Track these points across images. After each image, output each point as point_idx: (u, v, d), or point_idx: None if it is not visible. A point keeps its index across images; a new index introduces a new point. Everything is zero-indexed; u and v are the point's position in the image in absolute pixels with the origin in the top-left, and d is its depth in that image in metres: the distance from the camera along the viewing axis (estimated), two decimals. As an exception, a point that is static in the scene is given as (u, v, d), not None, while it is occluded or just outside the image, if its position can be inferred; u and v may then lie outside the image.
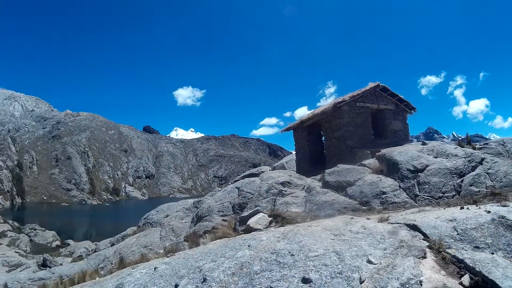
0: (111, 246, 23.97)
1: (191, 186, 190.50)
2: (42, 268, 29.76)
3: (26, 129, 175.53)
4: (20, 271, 31.28)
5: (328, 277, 4.86)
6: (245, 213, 9.78)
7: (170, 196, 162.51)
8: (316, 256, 5.44)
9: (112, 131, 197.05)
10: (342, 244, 5.83)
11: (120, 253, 16.42)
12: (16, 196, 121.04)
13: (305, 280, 4.82)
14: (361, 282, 4.72)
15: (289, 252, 5.67)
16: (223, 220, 11.65)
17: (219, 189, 25.55)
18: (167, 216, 22.46)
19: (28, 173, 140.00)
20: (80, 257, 32.64)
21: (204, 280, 5.31)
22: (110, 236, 35.72)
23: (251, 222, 8.76)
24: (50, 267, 26.69)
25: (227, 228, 9.76)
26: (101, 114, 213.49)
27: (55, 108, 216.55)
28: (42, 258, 35.84)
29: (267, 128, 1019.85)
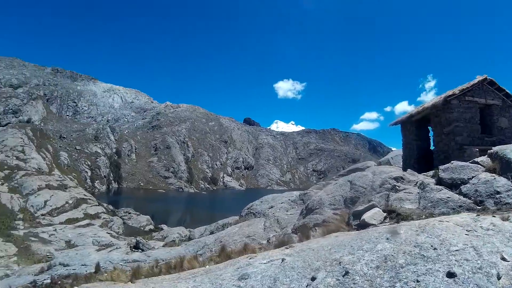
0: (210, 234, 24.49)
1: (289, 179, 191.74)
2: (134, 250, 30.34)
3: (126, 119, 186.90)
4: (110, 251, 32.24)
5: (470, 272, 4.82)
6: (359, 207, 9.85)
7: (268, 188, 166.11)
8: (456, 250, 5.42)
9: (212, 123, 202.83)
10: (477, 240, 5.74)
11: (221, 241, 16.31)
12: (112, 181, 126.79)
13: (450, 275, 4.82)
14: (499, 279, 4.71)
15: (431, 246, 5.64)
16: (334, 213, 11.75)
17: (324, 182, 24.59)
18: (271, 207, 23.01)
19: (127, 160, 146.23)
20: (173, 242, 34.33)
21: (346, 273, 5.30)
22: (204, 224, 37.87)
23: (366, 216, 8.93)
24: (142, 250, 27.67)
25: (339, 222, 10.00)
26: (201, 106, 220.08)
27: (155, 100, 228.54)
28: (135, 240, 36.60)
29: (367, 122, 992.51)
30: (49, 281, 16.66)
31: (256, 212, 24.19)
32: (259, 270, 6.33)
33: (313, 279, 5.35)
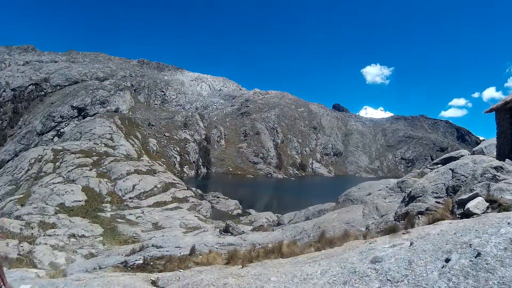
0: (306, 219, 24.47)
1: (378, 167, 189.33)
2: (223, 233, 30.13)
3: (214, 106, 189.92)
4: (196, 233, 33.25)
5: None
6: (463, 196, 10.01)
7: (356, 175, 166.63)
8: None
9: (302, 109, 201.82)
10: None
11: (319, 227, 16.41)
12: (201, 166, 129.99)
13: None
14: None
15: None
16: (436, 202, 11.90)
17: (419, 170, 24.01)
18: (369, 194, 23.01)
19: (216, 146, 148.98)
20: (261, 226, 35.22)
21: (478, 254, 5.63)
22: (292, 209, 38.10)
23: (471, 206, 9.00)
24: (232, 234, 27.68)
25: (443, 210, 10.11)
26: (290, 92, 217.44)
27: (244, 87, 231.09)
28: (224, 223, 37.35)
29: (455, 109, 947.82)
30: (141, 261, 16.61)
31: (353, 199, 24.28)
32: (389, 253, 6.92)
33: (447, 260, 5.81)
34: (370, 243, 8.13)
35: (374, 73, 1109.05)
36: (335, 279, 6.64)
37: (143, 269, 15.03)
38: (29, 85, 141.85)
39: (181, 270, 11.09)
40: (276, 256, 11.46)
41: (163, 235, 35.48)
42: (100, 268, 17.31)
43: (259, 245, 16.08)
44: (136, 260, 17.13)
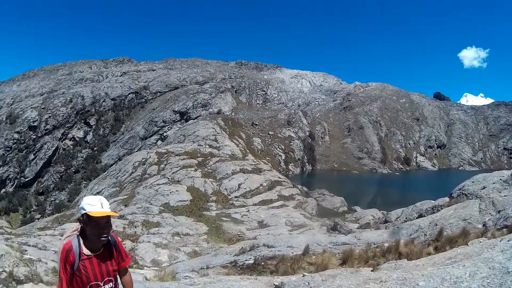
0: (418, 217, 23.42)
1: (481, 159, 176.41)
2: (331, 232, 30.95)
3: (316, 102, 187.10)
4: (302, 231, 34.74)
5: None
6: None
7: (460, 169, 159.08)
8: None
9: (403, 100, 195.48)
10: None
11: (436, 224, 15.82)
12: (306, 163, 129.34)
13: None
14: None
15: None
16: None
17: None
18: (483, 188, 21.23)
19: (320, 142, 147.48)
20: (367, 224, 35.49)
21: None
22: (397, 206, 36.82)
23: None
24: (339, 232, 28.03)
25: None
26: (390, 83, 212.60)
27: (344, 81, 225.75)
28: (332, 221, 38.18)
29: None
30: (251, 261, 16.30)
31: (468, 193, 22.28)
32: None
33: None
34: (508, 240, 7.52)
35: (471, 56, 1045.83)
36: (488, 281, 6.11)
37: (253, 269, 14.84)
38: (129, 93, 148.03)
39: (307, 275, 9.57)
40: (394, 256, 11.09)
41: (268, 233, 36.12)
42: (207, 267, 16.99)
43: (374, 244, 15.69)
44: (246, 260, 16.80)
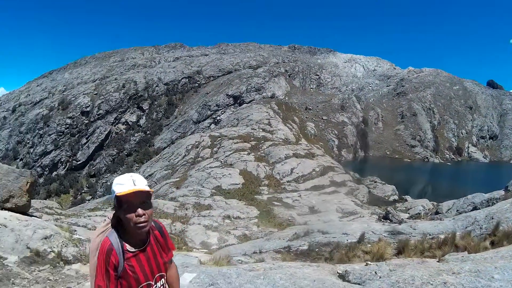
0: (473, 209, 23.08)
1: None
2: (383, 220, 31.05)
3: (370, 87, 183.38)
4: (352, 219, 34.76)
5: None
6: None
7: (511, 162, 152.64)
8: None
9: (457, 87, 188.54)
10: None
11: (492, 218, 15.04)
12: (359, 149, 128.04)
13: None
14: None
15: None
16: None
17: None
18: None
19: (373, 128, 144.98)
20: (418, 215, 36.04)
21: None
22: (447, 198, 37.63)
23: None
24: (391, 221, 28.06)
25: None
26: (443, 69, 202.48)
27: (397, 66, 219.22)
28: (383, 210, 38.04)
29: None
30: (305, 247, 16.17)
31: None
32: None
33: None
34: None
35: None
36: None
37: (307, 256, 14.65)
38: (182, 78, 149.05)
39: (371, 263, 9.25)
40: (449, 249, 10.68)
41: (318, 219, 36.53)
42: (260, 252, 16.98)
43: (429, 235, 15.22)
44: (300, 246, 16.67)
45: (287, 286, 7.08)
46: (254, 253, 16.73)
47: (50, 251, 10.17)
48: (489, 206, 21.04)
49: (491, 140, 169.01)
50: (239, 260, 13.96)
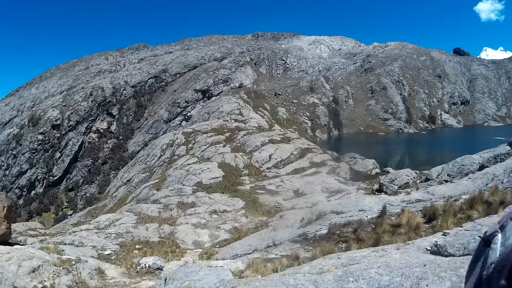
0: (480, 168, 22.69)
1: (505, 114, 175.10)
2: (377, 193, 30.04)
3: (337, 67, 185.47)
4: (340, 197, 34.41)
5: None
6: None
7: (485, 125, 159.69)
8: None
9: (424, 57, 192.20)
10: None
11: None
12: (332, 129, 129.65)
13: None
14: None
15: None
16: None
17: None
18: None
19: (344, 106, 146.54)
20: (407, 184, 35.24)
21: None
22: (429, 165, 38.95)
23: None
24: (386, 192, 27.67)
25: None
26: (408, 41, 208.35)
27: (362, 43, 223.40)
28: (378, 183, 38.04)
29: None
30: (324, 231, 15.16)
31: None
32: None
33: None
34: None
35: (486, 9, 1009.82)
36: None
37: (328, 240, 13.73)
38: (148, 79, 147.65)
39: (458, 228, 7.74)
40: (483, 206, 10.21)
41: (305, 202, 35.46)
42: (274, 245, 15.82)
43: (451, 197, 14.57)
44: (317, 231, 15.71)
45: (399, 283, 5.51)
46: (268, 247, 15.64)
47: (42, 287, 9.03)
48: (497, 162, 21.25)
49: (463, 105, 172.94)
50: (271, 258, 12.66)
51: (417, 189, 27.02)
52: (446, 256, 6.49)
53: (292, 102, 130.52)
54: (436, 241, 7.11)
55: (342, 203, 21.02)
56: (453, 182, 20.47)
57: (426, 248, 7.10)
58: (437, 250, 6.78)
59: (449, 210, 11.07)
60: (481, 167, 22.68)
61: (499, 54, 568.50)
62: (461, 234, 7.05)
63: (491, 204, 9.98)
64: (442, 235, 7.46)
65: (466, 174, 22.67)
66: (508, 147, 23.51)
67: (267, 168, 57.93)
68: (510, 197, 9.97)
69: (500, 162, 19.95)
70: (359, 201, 20.08)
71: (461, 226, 7.68)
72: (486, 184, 15.68)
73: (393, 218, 13.05)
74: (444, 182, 24.59)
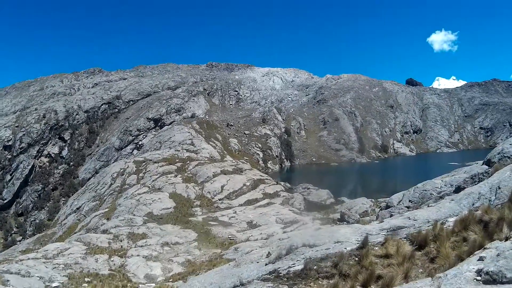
0: (455, 191, 22.43)
1: (458, 140, 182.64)
2: (338, 223, 31.18)
3: (289, 98, 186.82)
4: (296, 228, 35.13)
5: None
6: None
7: (437, 151, 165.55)
8: None
9: (376, 88, 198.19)
10: None
11: (499, 187, 15.05)
12: (284, 160, 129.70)
13: None
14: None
15: None
16: None
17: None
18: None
19: (296, 138, 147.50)
20: (366, 213, 36.67)
21: None
22: (383, 193, 40.85)
23: None
24: (348, 222, 28.49)
25: None
26: (362, 73, 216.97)
27: (315, 75, 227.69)
28: (340, 212, 39.32)
29: None
30: (299, 267, 13.14)
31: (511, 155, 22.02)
32: None
33: None
34: None
35: (440, 40, 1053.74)
36: None
37: (305, 277, 12.09)
38: (102, 104, 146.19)
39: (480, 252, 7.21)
40: (479, 227, 9.97)
41: (260, 233, 36.02)
42: (242, 284, 13.81)
43: (437, 221, 13.49)
44: (290, 267, 13.66)
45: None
46: (235, 286, 14.00)
47: None
48: (475, 182, 21.11)
49: (415, 134, 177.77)
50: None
51: (376, 217, 27.28)
52: (505, 283, 5.81)
53: (244, 133, 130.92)
54: (481, 268, 6.32)
55: (314, 235, 18.99)
56: (432, 206, 19.76)
57: (475, 279, 6.26)
58: (490, 279, 5.95)
59: (442, 234, 10.85)
60: (458, 189, 22.83)
61: (451, 83, 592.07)
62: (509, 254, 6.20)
63: (487, 223, 10.01)
64: (478, 260, 6.82)
65: (430, 199, 22.76)
66: (485, 166, 23.67)
67: (219, 199, 57.42)
68: (508, 212, 9.78)
69: (479, 181, 20.09)
70: (333, 233, 18.44)
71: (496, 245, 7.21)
72: (473, 204, 15.54)
73: (377, 248, 12.49)
74: (428, 205, 25.31)
